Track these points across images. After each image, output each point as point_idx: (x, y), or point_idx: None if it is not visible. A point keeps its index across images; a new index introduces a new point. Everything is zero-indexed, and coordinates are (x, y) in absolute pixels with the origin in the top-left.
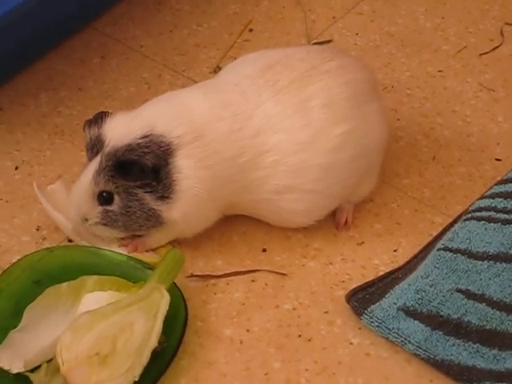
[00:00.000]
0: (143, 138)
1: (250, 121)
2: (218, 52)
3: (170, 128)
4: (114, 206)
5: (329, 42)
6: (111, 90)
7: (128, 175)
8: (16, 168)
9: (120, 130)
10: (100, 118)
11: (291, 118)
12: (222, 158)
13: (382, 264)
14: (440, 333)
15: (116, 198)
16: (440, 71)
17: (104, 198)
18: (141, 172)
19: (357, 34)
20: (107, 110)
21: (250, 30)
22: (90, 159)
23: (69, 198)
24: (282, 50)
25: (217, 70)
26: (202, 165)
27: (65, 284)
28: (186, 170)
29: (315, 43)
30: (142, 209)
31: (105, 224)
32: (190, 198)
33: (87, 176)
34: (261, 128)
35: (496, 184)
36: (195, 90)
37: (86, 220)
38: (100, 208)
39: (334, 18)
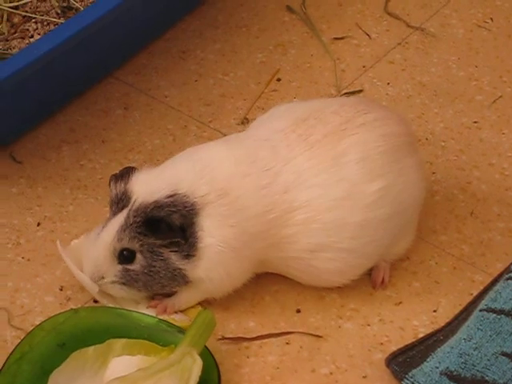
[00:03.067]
0: (169, 197)
1: (279, 176)
2: (245, 102)
3: (192, 188)
4: (136, 265)
5: (359, 91)
6: (135, 142)
7: (156, 233)
8: (38, 224)
9: (147, 188)
10: (126, 173)
11: (324, 173)
12: (248, 215)
13: (421, 325)
14: None
15: (139, 256)
16: (475, 122)
17: (124, 257)
18: (169, 230)
19: (388, 84)
20: (133, 166)
21: (278, 80)
22: (114, 214)
23: (85, 253)
24: (315, 102)
25: (244, 121)
26: (227, 223)
27: (91, 348)
28: (210, 228)
29: (345, 93)
30: (167, 268)
31: (123, 283)
32: (214, 256)
33: (108, 232)
34: (291, 184)
35: None
36: (219, 145)
37: (103, 278)
38: (119, 266)
39: (364, 67)
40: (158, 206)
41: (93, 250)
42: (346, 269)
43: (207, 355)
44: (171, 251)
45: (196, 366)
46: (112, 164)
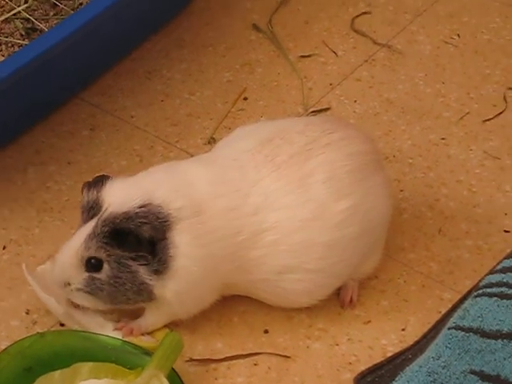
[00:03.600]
0: (141, 207)
1: (248, 198)
2: (211, 122)
3: (169, 199)
4: (102, 275)
5: (326, 110)
6: (102, 163)
7: (123, 245)
8: (3, 247)
9: (119, 197)
10: (100, 180)
11: (291, 194)
12: (218, 236)
13: (390, 344)
14: None
15: (105, 266)
16: (443, 139)
17: (92, 265)
18: (137, 243)
19: (355, 101)
20: (107, 174)
21: (245, 99)
22: (85, 222)
23: (56, 258)
24: (280, 122)
25: (211, 140)
26: (199, 243)
27: (58, 372)
28: (183, 246)
29: (313, 111)
30: (133, 281)
31: (88, 292)
32: (185, 276)
33: (78, 239)
34: (259, 206)
35: (506, 257)
36: (195, 163)
37: (69, 284)
38: (86, 274)
39: (331, 84)
40: (127, 216)
41: (61, 255)
42: (314, 289)
43: (175, 378)
44: (140, 264)
45: None
46: (78, 186)
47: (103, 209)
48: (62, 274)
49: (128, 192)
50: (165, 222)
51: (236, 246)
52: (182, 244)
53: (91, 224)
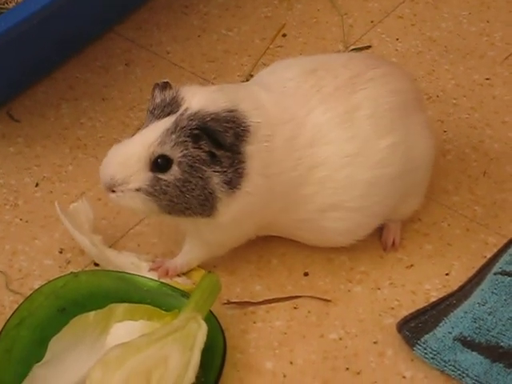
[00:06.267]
0: (229, 112)
1: (304, 128)
2: (249, 59)
3: (251, 113)
4: (170, 176)
5: (368, 47)
6: (137, 99)
7: (204, 145)
8: (36, 185)
9: (204, 99)
10: (169, 84)
11: (339, 129)
12: (281, 168)
13: (433, 289)
14: (501, 365)
15: (175, 168)
16: (487, 79)
17: (157, 165)
18: (218, 146)
19: (397, 40)
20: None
21: (284, 35)
22: (158, 118)
23: (110, 154)
24: (320, 56)
25: (249, 78)
26: (266, 172)
27: (92, 313)
28: (253, 174)
29: (353, 49)
30: (202, 188)
31: (149, 193)
32: (246, 203)
33: (150, 134)
34: (314, 137)
35: None
36: (256, 86)
37: (126, 183)
38: (150, 174)
39: (372, 22)
40: (216, 117)
41: (124, 149)
42: (354, 228)
43: (212, 320)
44: (215, 171)
45: (201, 332)
46: (113, 122)
47: (183, 107)
48: (121, 169)
49: (214, 96)
50: (246, 132)
51: (291, 182)
52: (253, 169)
53: (169, 120)
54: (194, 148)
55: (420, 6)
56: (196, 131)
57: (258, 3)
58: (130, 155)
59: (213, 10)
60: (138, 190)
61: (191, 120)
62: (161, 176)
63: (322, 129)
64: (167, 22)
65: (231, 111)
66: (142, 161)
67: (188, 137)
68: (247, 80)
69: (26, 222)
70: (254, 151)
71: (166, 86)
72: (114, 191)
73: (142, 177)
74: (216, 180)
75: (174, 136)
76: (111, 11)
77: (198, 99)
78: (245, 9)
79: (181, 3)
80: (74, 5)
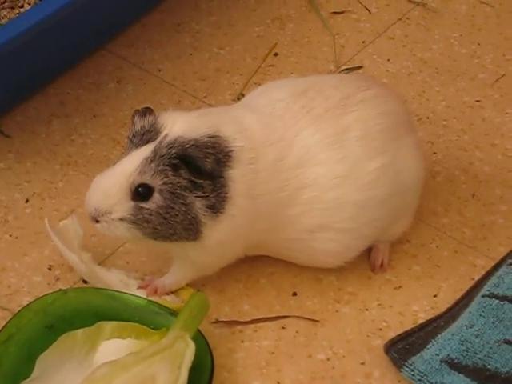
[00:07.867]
0: (210, 137)
1: (291, 149)
2: (241, 77)
3: (233, 137)
4: (152, 205)
5: (359, 68)
6: (128, 117)
7: (184, 173)
8: (26, 201)
9: (184, 125)
10: (149, 110)
11: (328, 150)
12: (267, 189)
13: (421, 310)
14: None
15: (156, 195)
16: (478, 101)
17: (139, 193)
18: (199, 173)
19: (388, 60)
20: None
21: (275, 55)
22: (137, 146)
23: (93, 184)
24: (312, 77)
25: (240, 97)
26: (251, 194)
27: (80, 330)
28: (237, 196)
29: (345, 69)
30: (186, 214)
31: (133, 222)
32: (231, 225)
33: (129, 163)
34: (302, 158)
35: None
36: (244, 109)
37: (109, 213)
38: (132, 203)
39: (363, 42)
40: (197, 144)
41: (105, 180)
42: (343, 250)
43: (200, 339)
44: (197, 196)
45: (189, 351)
46: (103, 139)
47: (163, 134)
48: (104, 200)
49: (195, 122)
50: (228, 157)
51: (278, 202)
52: (237, 192)
53: (148, 148)
54: (174, 176)
55: (411, 28)
56: (175, 160)
57: (250, 22)
58: (111, 185)
59: (205, 28)
60: (121, 219)
61: (170, 148)
62: (143, 205)
63: (311, 150)
64: (159, 40)
65: (212, 137)
66: (123, 190)
67: (167, 165)
68: (238, 99)
69: (16, 238)
70: (237, 175)
71: (145, 112)
72: (98, 221)
73: (124, 206)
74: (199, 205)
75: (153, 165)
76: (103, 28)
77: (180, 125)
78: (237, 27)
79: (173, 21)
80: (67, 22)
